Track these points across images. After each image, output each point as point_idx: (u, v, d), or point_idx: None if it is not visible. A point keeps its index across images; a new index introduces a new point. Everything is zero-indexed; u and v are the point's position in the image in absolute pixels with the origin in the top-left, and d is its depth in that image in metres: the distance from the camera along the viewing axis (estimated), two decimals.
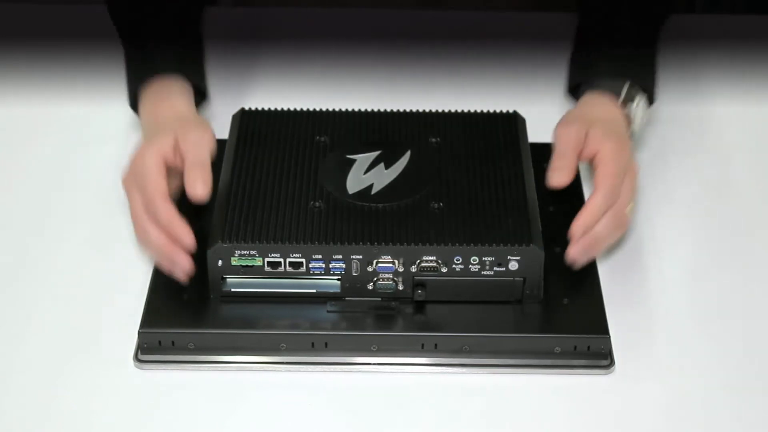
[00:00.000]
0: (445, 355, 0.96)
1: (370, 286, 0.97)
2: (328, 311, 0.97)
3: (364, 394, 0.94)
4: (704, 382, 0.95)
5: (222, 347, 0.96)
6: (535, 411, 0.93)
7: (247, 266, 0.96)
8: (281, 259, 0.96)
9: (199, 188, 0.96)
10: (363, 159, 1.04)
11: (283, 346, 0.96)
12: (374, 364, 0.96)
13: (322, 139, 1.07)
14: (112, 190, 1.12)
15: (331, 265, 0.96)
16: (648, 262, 1.05)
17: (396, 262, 0.96)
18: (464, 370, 0.96)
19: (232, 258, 0.96)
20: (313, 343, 0.96)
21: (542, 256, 0.96)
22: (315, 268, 0.96)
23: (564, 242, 1.02)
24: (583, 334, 0.96)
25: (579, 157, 1.02)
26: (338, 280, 0.97)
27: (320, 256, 0.96)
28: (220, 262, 0.96)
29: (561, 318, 0.97)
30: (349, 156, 1.05)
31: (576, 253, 0.98)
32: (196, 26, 1.15)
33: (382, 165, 1.04)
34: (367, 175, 1.03)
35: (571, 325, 0.97)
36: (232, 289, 0.98)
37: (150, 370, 0.96)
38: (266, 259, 0.96)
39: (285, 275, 0.97)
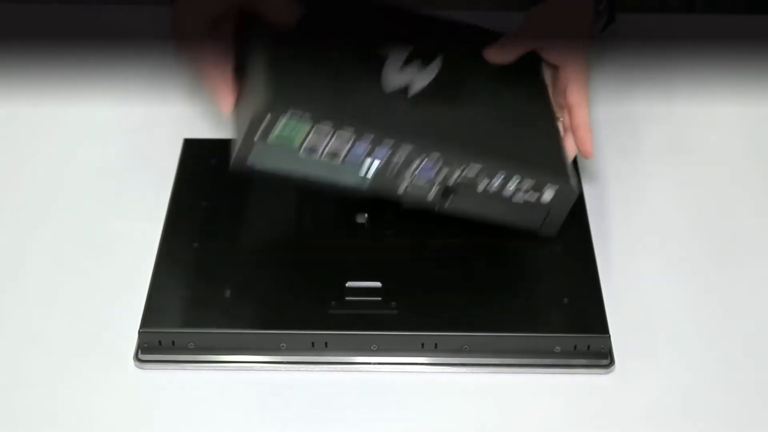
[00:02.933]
0: (445, 355, 0.96)
1: (400, 190, 0.96)
2: (328, 311, 0.97)
3: (364, 394, 0.94)
4: (704, 382, 0.95)
5: (222, 347, 0.96)
6: (535, 411, 0.93)
7: (285, 137, 0.91)
8: (328, 138, 0.91)
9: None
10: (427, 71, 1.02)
11: (283, 346, 0.96)
12: (374, 363, 0.96)
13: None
14: (113, 190, 1.12)
15: (372, 155, 0.93)
16: (648, 262, 1.05)
17: (438, 168, 0.95)
18: (464, 369, 0.96)
19: (275, 126, 0.91)
20: (313, 343, 0.96)
21: (576, 196, 0.98)
22: (354, 155, 0.93)
23: (565, 241, 1.02)
24: (583, 334, 0.96)
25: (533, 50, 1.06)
26: (371, 176, 0.94)
27: (372, 136, 0.92)
28: (263, 125, 0.91)
29: (561, 317, 0.97)
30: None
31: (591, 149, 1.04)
32: None
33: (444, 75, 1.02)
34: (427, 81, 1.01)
35: (571, 325, 0.97)
36: (255, 165, 0.93)
37: (150, 369, 0.96)
38: (311, 133, 0.91)
39: (316, 165, 0.93)
